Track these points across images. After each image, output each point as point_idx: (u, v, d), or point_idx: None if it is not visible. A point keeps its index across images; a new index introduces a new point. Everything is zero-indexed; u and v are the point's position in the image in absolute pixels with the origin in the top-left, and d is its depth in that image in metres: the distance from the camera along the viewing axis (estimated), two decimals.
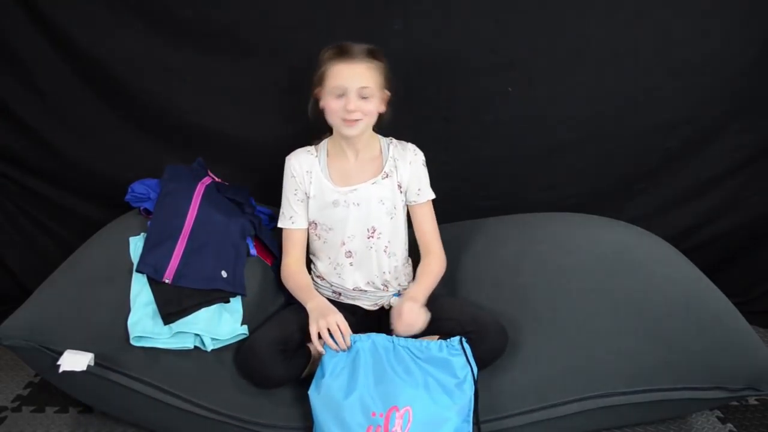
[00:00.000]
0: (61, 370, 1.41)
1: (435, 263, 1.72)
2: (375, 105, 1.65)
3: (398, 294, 1.76)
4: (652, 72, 2.04)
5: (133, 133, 2.10)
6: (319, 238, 1.75)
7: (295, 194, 1.73)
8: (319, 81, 1.66)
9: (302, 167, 1.73)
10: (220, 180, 1.95)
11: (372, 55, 1.63)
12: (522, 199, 2.14)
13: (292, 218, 1.74)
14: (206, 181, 1.87)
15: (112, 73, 2.01)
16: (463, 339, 1.51)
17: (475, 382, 1.48)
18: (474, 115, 2.09)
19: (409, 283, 1.81)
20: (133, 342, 1.50)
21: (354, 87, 1.60)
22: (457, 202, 2.09)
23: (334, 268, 1.75)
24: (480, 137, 2.11)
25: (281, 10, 1.96)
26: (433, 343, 1.51)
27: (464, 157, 2.11)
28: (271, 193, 2.02)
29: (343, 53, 1.61)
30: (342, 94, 1.61)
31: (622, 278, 1.65)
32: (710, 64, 2.04)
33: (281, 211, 1.75)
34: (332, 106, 1.63)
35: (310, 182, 1.72)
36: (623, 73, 2.04)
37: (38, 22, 1.97)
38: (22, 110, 2.06)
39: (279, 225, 1.76)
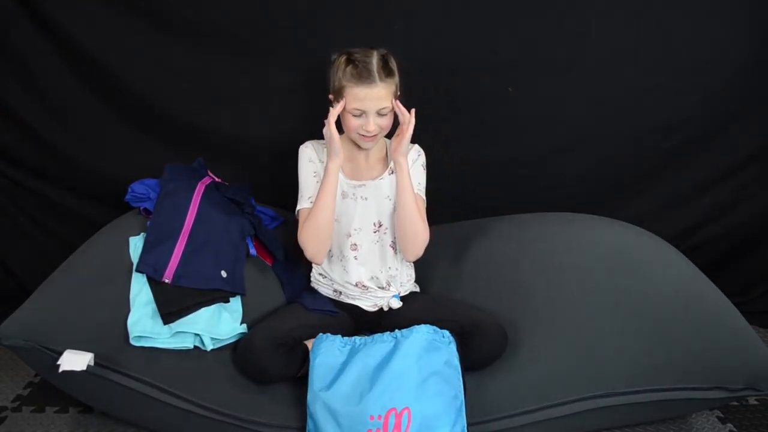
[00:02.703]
0: (61, 370, 1.41)
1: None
2: (391, 117, 1.67)
3: (397, 295, 1.76)
4: (652, 72, 2.04)
5: (133, 133, 2.10)
6: None
7: (315, 176, 1.73)
8: (336, 93, 1.66)
9: (318, 156, 1.75)
10: (220, 180, 1.95)
11: (388, 71, 1.62)
12: (522, 199, 2.14)
13: (311, 198, 1.71)
14: (206, 181, 1.87)
15: (112, 73, 2.01)
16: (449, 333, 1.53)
17: (463, 376, 1.49)
18: (474, 115, 2.09)
19: (409, 283, 1.82)
20: (132, 342, 1.50)
21: (373, 109, 1.62)
22: (457, 202, 2.09)
23: (340, 261, 1.75)
24: (480, 137, 2.11)
25: (281, 10, 1.97)
26: (424, 326, 1.52)
27: (464, 157, 2.11)
28: (271, 193, 2.02)
29: (362, 77, 1.60)
30: (361, 114, 1.63)
31: (622, 278, 1.65)
32: (710, 64, 2.04)
33: (300, 194, 1.74)
34: (351, 125, 1.65)
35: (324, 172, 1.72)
36: (623, 73, 2.04)
37: (38, 22, 1.97)
38: (22, 110, 2.06)
39: (298, 207, 1.73)
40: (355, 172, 1.76)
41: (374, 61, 1.61)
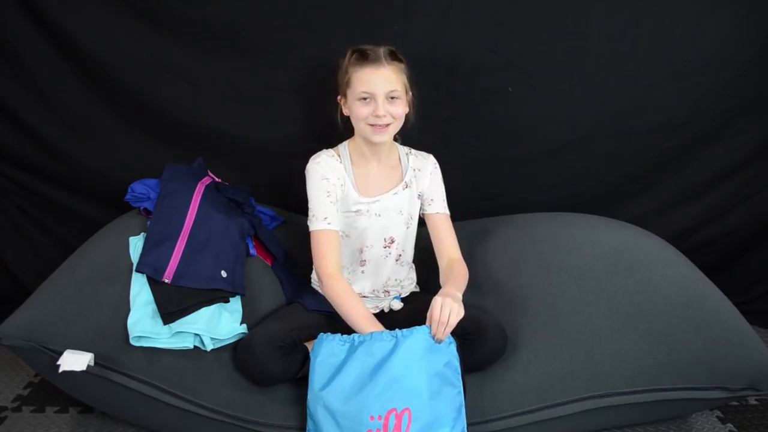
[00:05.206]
0: (61, 370, 1.42)
1: (460, 267, 1.68)
2: (402, 108, 1.64)
3: (399, 297, 1.76)
4: (652, 72, 2.04)
5: (133, 133, 2.10)
6: None
7: (328, 196, 1.65)
8: (344, 87, 1.64)
9: (334, 172, 1.67)
10: (220, 180, 1.95)
11: (394, 56, 1.63)
12: (522, 199, 2.14)
13: (327, 219, 1.63)
14: (206, 181, 1.87)
15: (112, 73, 2.01)
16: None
17: (463, 376, 1.49)
18: (474, 115, 2.08)
19: (410, 285, 1.82)
20: (132, 342, 1.50)
21: (382, 91, 1.59)
22: (457, 202, 2.09)
23: (348, 274, 1.74)
24: (480, 137, 2.11)
25: (281, 10, 1.96)
26: (425, 327, 1.51)
27: (464, 157, 2.11)
28: (272, 193, 2.02)
29: (367, 58, 1.59)
30: (369, 100, 1.60)
31: (622, 278, 1.65)
32: (710, 64, 2.04)
33: (312, 213, 1.65)
34: (360, 113, 1.61)
35: (341, 186, 1.68)
36: (623, 73, 2.04)
37: (38, 22, 1.97)
38: (22, 110, 2.06)
39: (313, 228, 1.64)
40: (368, 187, 1.70)
41: (380, 48, 1.61)
